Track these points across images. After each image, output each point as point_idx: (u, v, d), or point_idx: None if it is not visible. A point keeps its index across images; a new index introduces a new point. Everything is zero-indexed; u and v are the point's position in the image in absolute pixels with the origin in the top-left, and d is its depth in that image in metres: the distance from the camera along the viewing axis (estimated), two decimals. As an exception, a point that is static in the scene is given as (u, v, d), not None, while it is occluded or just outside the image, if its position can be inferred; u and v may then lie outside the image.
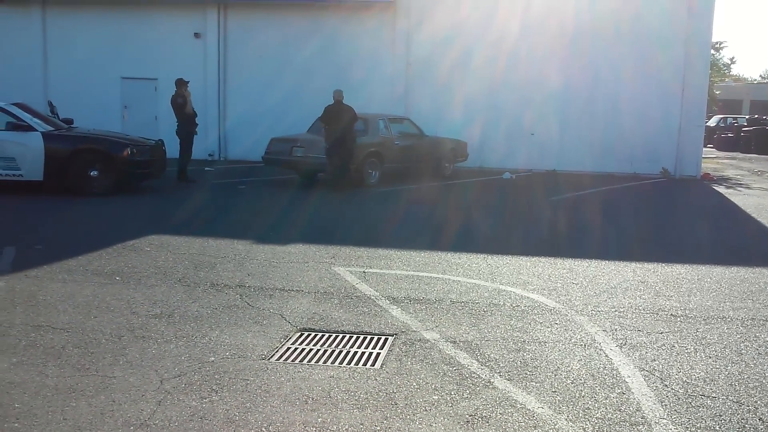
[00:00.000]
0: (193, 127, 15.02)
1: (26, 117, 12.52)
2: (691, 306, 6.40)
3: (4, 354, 4.77)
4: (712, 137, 34.19)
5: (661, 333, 5.61)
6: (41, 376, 4.42)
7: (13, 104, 12.75)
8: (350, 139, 14.06)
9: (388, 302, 6.27)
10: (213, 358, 4.81)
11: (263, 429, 3.79)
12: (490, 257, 8.23)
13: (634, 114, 19.00)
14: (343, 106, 14.25)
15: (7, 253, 7.78)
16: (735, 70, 68.47)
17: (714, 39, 19.82)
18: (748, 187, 17.34)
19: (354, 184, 14.18)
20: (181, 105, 14.80)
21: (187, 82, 15.07)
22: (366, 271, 7.41)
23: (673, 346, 5.29)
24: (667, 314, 6.13)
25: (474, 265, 7.86)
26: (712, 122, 36.64)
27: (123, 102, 21.06)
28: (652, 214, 12.78)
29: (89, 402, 4.06)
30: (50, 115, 14.99)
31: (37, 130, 12.33)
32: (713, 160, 25.86)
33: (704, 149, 21.94)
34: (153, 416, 3.90)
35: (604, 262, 8.11)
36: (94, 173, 12.37)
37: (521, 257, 8.29)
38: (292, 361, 4.83)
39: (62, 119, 14.66)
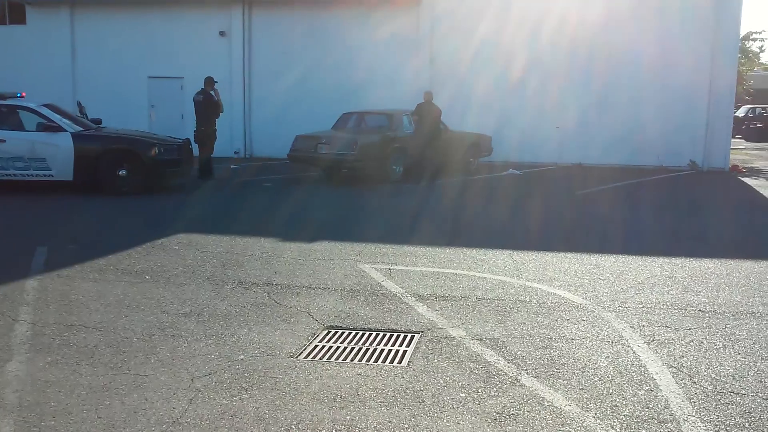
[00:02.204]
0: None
1: (56, 118, 12.73)
2: (719, 301, 6.35)
3: (39, 353, 4.89)
4: (741, 128, 33.67)
5: (690, 329, 5.57)
6: (75, 374, 4.52)
7: (43, 105, 12.97)
8: (437, 135, 15.39)
9: (414, 299, 6.30)
10: (242, 356, 4.88)
11: (292, 427, 3.85)
12: (515, 253, 8.22)
13: (660, 106, 18.80)
14: (432, 105, 15.45)
15: (40, 252, 7.94)
16: (765, 58, 67.14)
17: (747, 28, 19.48)
18: (778, 179, 17.09)
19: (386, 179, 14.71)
20: (216, 104, 14.86)
21: (216, 81, 15.15)
22: (391, 268, 7.45)
23: (702, 343, 5.26)
24: (695, 310, 6.08)
25: (500, 261, 7.86)
26: (740, 112, 36.04)
27: (150, 101, 21.30)
28: (679, 208, 12.66)
29: (122, 400, 4.14)
30: (79, 115, 15.22)
31: (66, 131, 12.53)
32: (742, 152, 25.50)
33: (733, 140, 21.65)
34: (185, 414, 3.97)
35: (631, 258, 8.06)
36: (122, 172, 12.54)
37: (547, 253, 8.27)
38: (320, 358, 4.89)
39: (91, 119, 14.87)
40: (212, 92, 14.91)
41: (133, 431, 3.76)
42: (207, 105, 14.76)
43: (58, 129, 12.49)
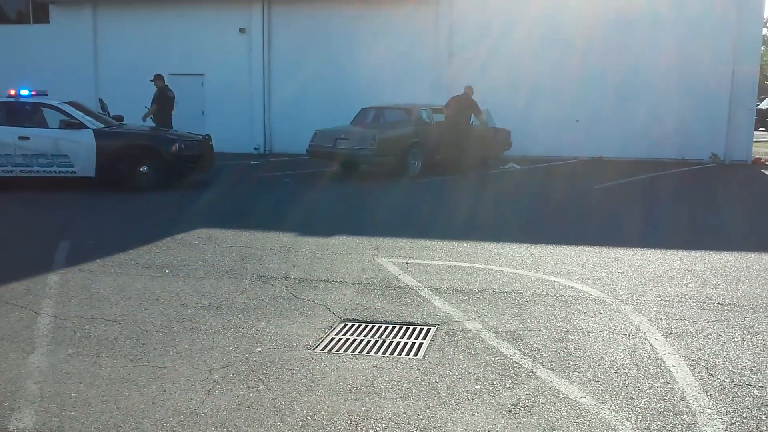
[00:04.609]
0: None
1: (78, 115, 12.88)
2: (738, 294, 6.30)
3: (61, 345, 4.98)
4: (765, 120, 33.18)
5: (708, 322, 5.54)
6: (95, 366, 4.60)
7: (66, 102, 13.12)
8: (465, 128, 15.21)
9: (430, 293, 6.32)
10: (260, 349, 4.93)
11: (308, 418, 3.89)
12: (533, 247, 8.21)
13: (680, 98, 18.56)
14: (468, 99, 15.37)
15: (62, 247, 8.06)
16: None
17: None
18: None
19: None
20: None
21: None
22: (408, 262, 7.47)
23: (720, 335, 5.23)
24: (714, 303, 6.04)
25: (517, 255, 7.85)
26: (764, 105, 35.53)
27: (171, 98, 21.44)
28: (700, 201, 12.54)
29: (141, 391, 4.21)
30: (101, 112, 15.39)
31: (89, 128, 12.67)
32: (765, 144, 25.13)
33: (756, 133, 21.37)
34: (202, 405, 4.03)
35: (650, 251, 8.01)
36: (143, 169, 12.66)
37: (565, 246, 8.24)
38: (337, 351, 4.92)
39: (113, 116, 15.02)
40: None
41: (151, 422, 3.82)
42: (171, 101, 16.07)
43: (81, 126, 12.63)
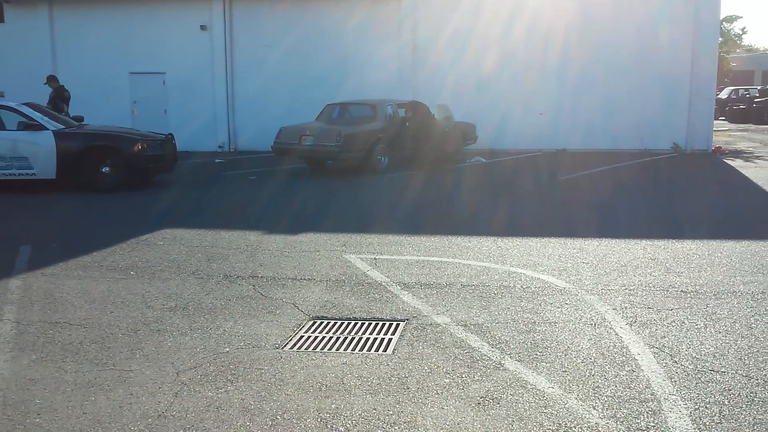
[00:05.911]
0: None
1: (37, 116, 12.63)
2: (701, 282, 6.42)
3: (24, 351, 4.88)
4: (724, 109, 33.88)
5: (671, 309, 5.64)
6: (60, 371, 4.53)
7: (23, 104, 12.85)
8: (426, 122, 15.58)
9: (399, 288, 6.33)
10: (228, 349, 4.89)
11: (278, 417, 3.87)
12: (500, 240, 8.27)
13: (642, 89, 18.87)
14: (418, 104, 15.94)
15: (24, 251, 7.91)
16: (746, 40, 67.73)
17: (725, 12, 19.57)
18: (760, 159, 17.22)
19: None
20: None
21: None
22: (377, 257, 7.47)
23: (683, 323, 5.32)
24: (677, 291, 6.15)
25: (484, 248, 7.90)
26: (723, 94, 36.26)
27: (132, 97, 21.16)
28: (662, 190, 12.75)
29: (107, 396, 4.15)
30: (62, 113, 15.10)
31: (48, 129, 12.44)
32: (725, 133, 25.66)
33: (716, 122, 21.78)
34: (170, 408, 3.99)
35: (614, 241, 8.12)
36: (105, 169, 12.47)
37: (531, 238, 8.32)
38: (306, 349, 4.91)
39: (73, 117, 14.77)
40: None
41: (119, 426, 3.77)
42: (67, 101, 15.62)
43: (40, 127, 12.39)
